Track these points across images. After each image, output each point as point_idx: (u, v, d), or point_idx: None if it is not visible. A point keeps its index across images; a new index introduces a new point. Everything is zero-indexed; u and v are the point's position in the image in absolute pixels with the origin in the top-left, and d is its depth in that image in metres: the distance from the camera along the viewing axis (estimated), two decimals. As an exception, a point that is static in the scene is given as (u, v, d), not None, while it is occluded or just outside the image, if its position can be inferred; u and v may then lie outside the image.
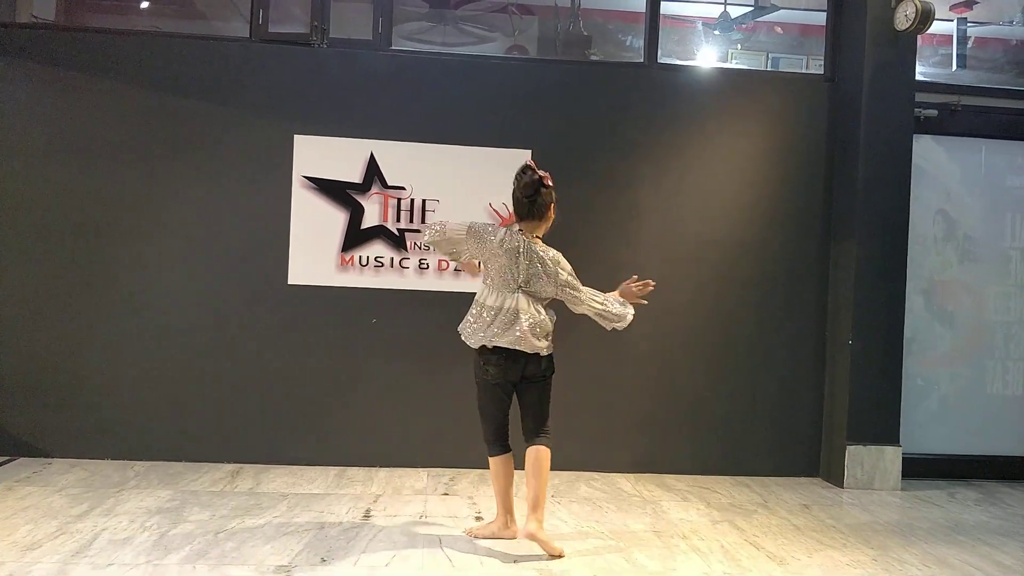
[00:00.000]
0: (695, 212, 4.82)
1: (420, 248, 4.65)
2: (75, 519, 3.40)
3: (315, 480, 4.26)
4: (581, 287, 3.32)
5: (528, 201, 3.24)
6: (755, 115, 4.87)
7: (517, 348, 3.19)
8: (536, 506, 3.15)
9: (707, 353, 4.83)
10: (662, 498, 4.23)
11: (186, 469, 4.36)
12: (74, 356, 4.49)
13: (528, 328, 3.18)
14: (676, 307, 4.78)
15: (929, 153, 4.97)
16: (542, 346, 3.24)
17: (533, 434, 3.29)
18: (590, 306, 3.32)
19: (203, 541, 3.19)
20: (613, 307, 3.36)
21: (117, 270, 4.52)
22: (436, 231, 3.38)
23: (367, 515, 3.68)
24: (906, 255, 4.70)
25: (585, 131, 4.77)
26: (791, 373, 4.87)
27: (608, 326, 3.40)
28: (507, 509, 3.35)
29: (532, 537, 3.13)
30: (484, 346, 3.25)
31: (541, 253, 3.25)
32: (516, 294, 3.22)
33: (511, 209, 3.39)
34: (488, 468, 3.41)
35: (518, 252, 3.21)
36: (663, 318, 4.76)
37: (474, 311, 3.30)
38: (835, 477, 4.69)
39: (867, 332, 4.63)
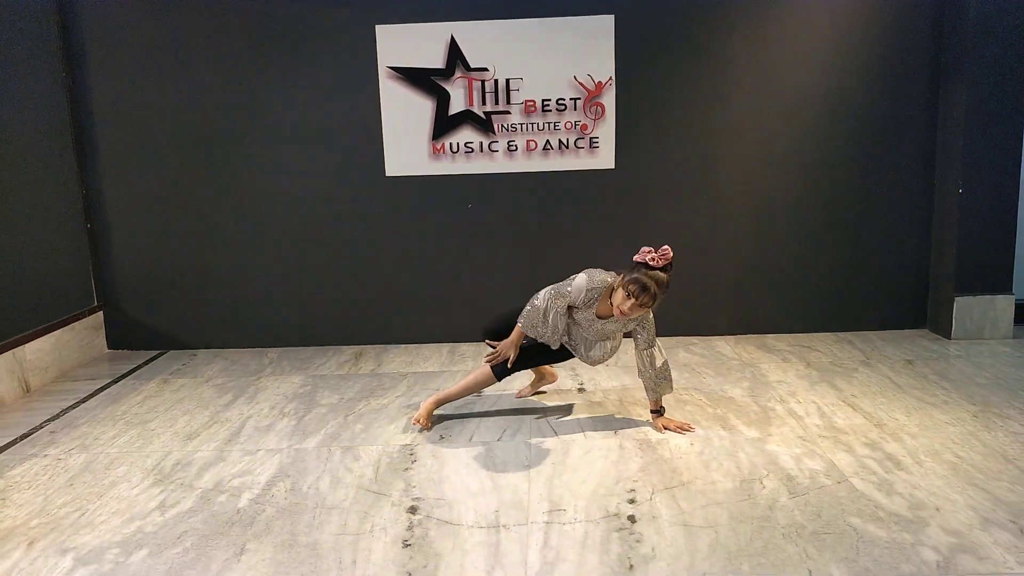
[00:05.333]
0: (792, 63, 4.59)
1: (507, 130, 4.69)
2: (223, 408, 3.85)
3: (430, 358, 4.59)
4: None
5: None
6: (855, -49, 4.50)
7: None
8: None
9: (807, 208, 4.75)
10: (761, 360, 4.34)
11: (314, 354, 4.77)
12: (204, 256, 4.88)
13: None
14: (774, 163, 4.69)
15: (1057, -27, 4.49)
16: None
17: None
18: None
19: (335, 424, 3.57)
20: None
21: (231, 173, 4.79)
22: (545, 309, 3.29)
23: (479, 391, 3.96)
24: (1022, 95, 4.37)
25: (669, -11, 4.56)
26: (896, 224, 4.74)
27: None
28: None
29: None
30: None
31: None
32: None
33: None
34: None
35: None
36: (760, 175, 4.72)
37: None
38: (942, 329, 4.65)
39: (977, 179, 4.42)
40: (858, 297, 4.82)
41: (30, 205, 4.36)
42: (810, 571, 2.28)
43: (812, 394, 3.76)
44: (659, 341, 3.36)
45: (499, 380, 3.48)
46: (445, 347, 4.81)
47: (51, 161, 4.56)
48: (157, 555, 2.49)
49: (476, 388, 3.54)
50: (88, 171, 4.80)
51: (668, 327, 4.83)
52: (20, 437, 3.55)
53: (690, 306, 4.83)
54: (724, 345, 4.65)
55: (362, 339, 4.94)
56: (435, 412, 3.58)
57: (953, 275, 4.54)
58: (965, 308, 4.53)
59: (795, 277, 4.83)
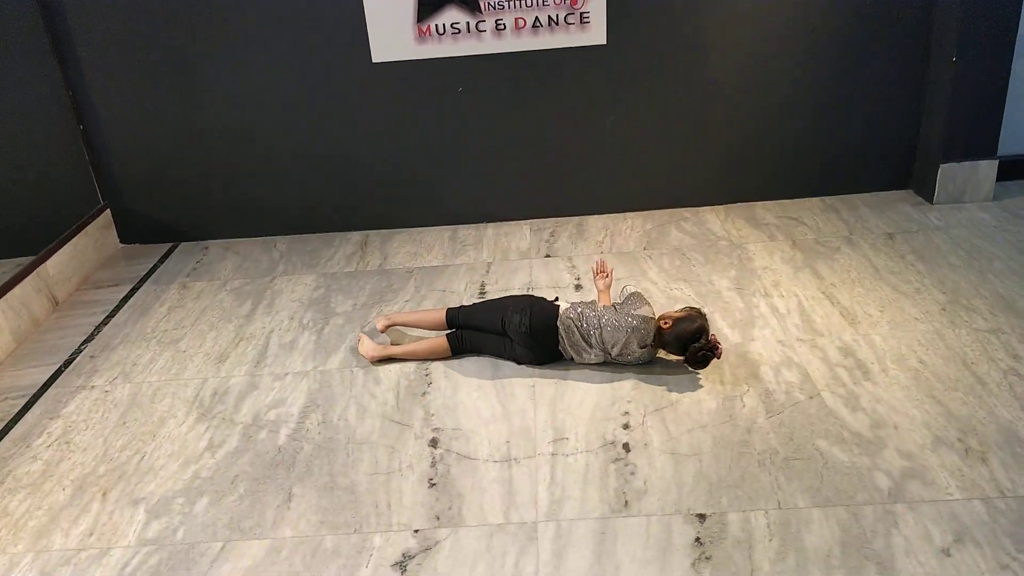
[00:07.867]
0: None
1: (494, 7, 4.54)
2: (246, 320, 4.11)
3: (433, 247, 4.78)
4: None
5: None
6: None
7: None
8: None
9: (801, 73, 4.70)
10: (749, 239, 4.54)
11: (321, 244, 4.95)
12: (200, 147, 4.88)
13: None
14: (770, 29, 4.60)
15: None
16: None
17: None
18: None
19: (353, 339, 3.85)
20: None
21: (215, 61, 4.68)
22: None
23: (482, 290, 4.22)
24: (1032, -48, 4.20)
25: None
26: (889, 88, 4.73)
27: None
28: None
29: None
30: None
31: None
32: None
33: None
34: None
35: None
36: (756, 42, 4.66)
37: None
38: (926, 192, 4.80)
39: (972, 48, 4.35)
40: (847, 161, 4.91)
41: (18, 117, 4.35)
42: (779, 502, 2.67)
43: (795, 284, 4.01)
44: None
45: (453, 355, 3.62)
46: (446, 231, 4.99)
47: (30, 66, 4.47)
48: (217, 503, 2.88)
49: (429, 355, 3.63)
50: (71, 71, 4.70)
51: (661, 201, 4.99)
52: (64, 365, 3.86)
53: (683, 178, 4.95)
54: (714, 220, 4.82)
55: (366, 224, 5.10)
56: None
57: (940, 142, 4.61)
58: (949, 174, 4.65)
59: (786, 144, 4.89)
